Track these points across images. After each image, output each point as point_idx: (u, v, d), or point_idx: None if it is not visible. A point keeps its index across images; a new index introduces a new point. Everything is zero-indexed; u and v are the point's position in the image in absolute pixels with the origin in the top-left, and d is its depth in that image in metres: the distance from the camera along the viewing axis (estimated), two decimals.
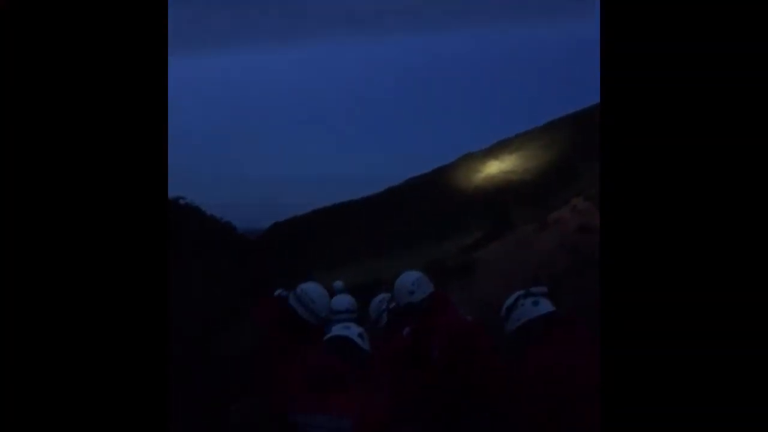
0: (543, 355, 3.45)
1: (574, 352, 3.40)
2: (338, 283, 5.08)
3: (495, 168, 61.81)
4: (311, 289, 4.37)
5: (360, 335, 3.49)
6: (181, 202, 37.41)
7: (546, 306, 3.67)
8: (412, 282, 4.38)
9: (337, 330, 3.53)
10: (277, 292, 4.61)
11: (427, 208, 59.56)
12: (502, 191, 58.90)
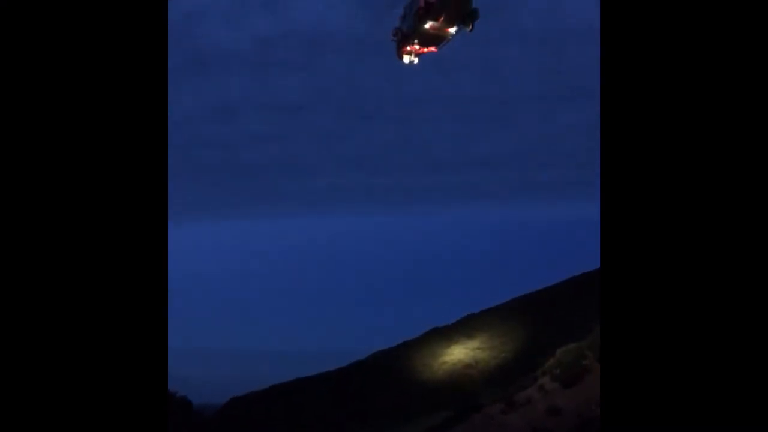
0: None
1: None
2: None
3: (461, 344, 61.05)
4: None
5: None
6: None
7: None
8: None
9: None
10: None
11: (392, 385, 57.68)
12: (469, 368, 57.60)
